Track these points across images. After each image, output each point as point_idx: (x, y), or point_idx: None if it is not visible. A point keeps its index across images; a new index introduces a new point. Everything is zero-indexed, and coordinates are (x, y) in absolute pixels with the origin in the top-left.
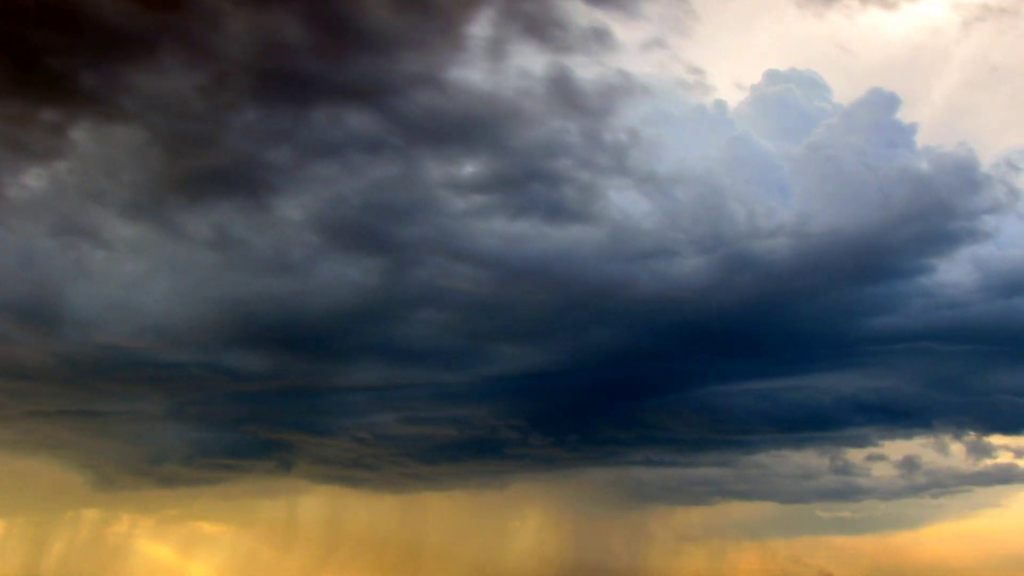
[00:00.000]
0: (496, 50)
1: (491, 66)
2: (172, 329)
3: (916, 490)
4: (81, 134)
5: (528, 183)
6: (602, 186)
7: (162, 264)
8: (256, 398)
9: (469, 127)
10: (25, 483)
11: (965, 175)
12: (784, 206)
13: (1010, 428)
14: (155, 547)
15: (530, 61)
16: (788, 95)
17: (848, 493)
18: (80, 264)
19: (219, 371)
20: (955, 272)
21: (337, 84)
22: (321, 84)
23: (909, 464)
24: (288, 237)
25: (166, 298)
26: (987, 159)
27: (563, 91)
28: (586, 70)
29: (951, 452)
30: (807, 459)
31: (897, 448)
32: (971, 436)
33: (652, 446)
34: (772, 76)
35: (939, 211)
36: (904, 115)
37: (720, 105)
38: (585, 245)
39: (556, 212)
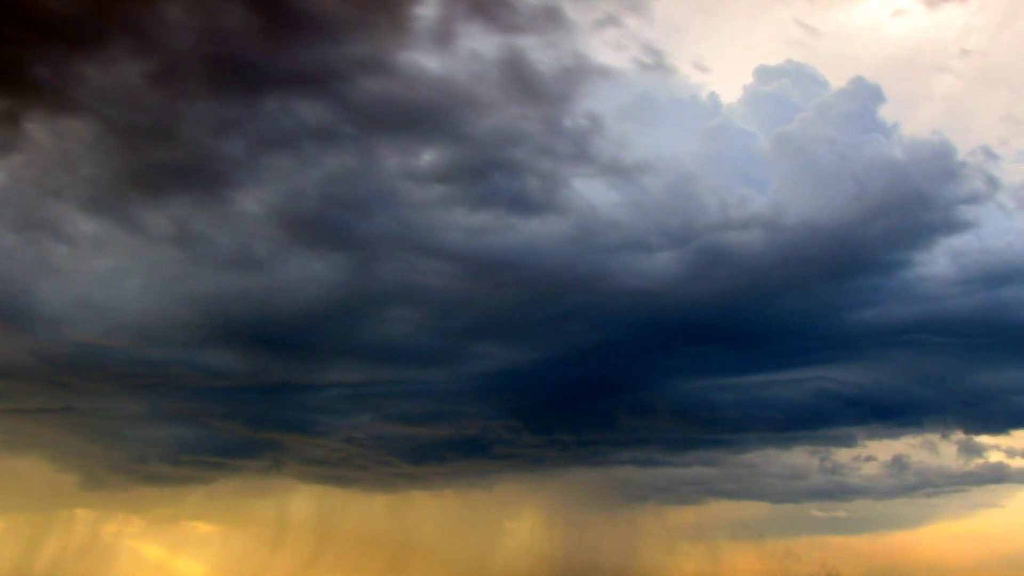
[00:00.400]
0: (444, 32)
1: (440, 49)
2: (146, 327)
3: (907, 490)
4: (34, 126)
5: (490, 173)
6: (565, 175)
7: (127, 260)
8: (235, 396)
9: (423, 114)
10: (9, 482)
11: (941, 163)
12: (760, 195)
13: (997, 427)
14: (139, 545)
15: (480, 43)
16: (783, 91)
17: (838, 493)
18: (45, 260)
19: (196, 369)
20: (933, 265)
21: (284, 71)
22: (268, 71)
23: (898, 464)
24: (250, 232)
25: (136, 295)
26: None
27: (518, 75)
28: (541, 52)
29: (940, 452)
30: (795, 458)
31: (884, 448)
32: (958, 435)
33: (637, 445)
34: (764, 71)
35: (916, 202)
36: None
37: (713, 97)
38: (552, 237)
39: (520, 203)
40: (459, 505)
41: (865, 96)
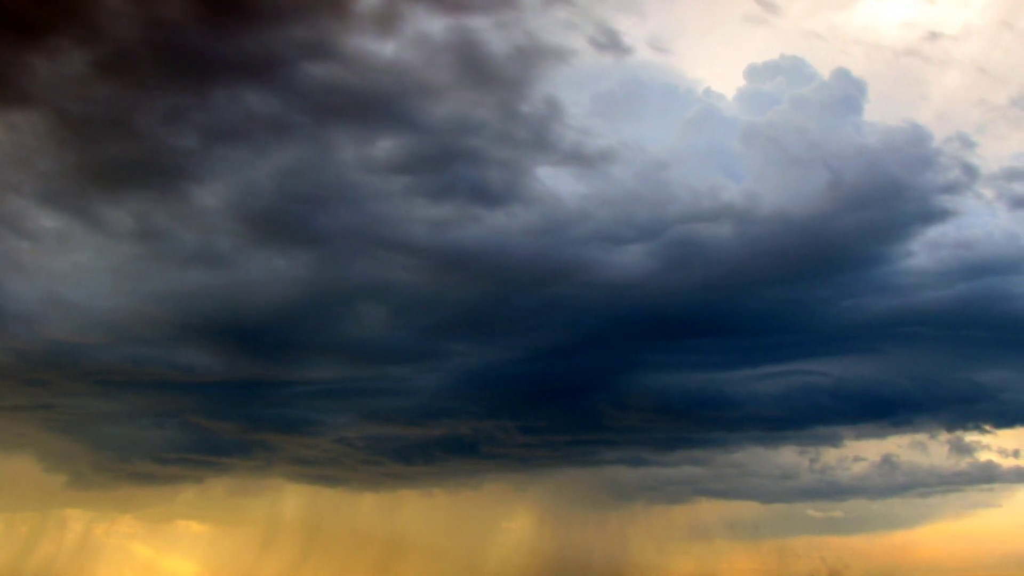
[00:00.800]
0: (389, 13)
1: (386, 32)
2: (117, 324)
3: (900, 489)
4: None
5: (448, 162)
6: (527, 164)
7: (92, 257)
8: (213, 393)
9: (375, 102)
10: None
11: (916, 151)
12: (736, 186)
13: (986, 426)
14: (129, 544)
15: (428, 25)
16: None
17: (829, 492)
18: (9, 256)
19: (170, 366)
20: (910, 257)
21: (228, 58)
22: (213, 59)
23: (888, 463)
24: (212, 228)
25: (104, 292)
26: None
27: (471, 59)
28: (493, 33)
29: (930, 451)
30: (783, 457)
31: (873, 447)
32: (945, 435)
33: (625, 445)
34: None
35: (893, 192)
36: None
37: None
38: (519, 229)
39: (483, 193)
40: (448, 504)
41: (847, 88)
